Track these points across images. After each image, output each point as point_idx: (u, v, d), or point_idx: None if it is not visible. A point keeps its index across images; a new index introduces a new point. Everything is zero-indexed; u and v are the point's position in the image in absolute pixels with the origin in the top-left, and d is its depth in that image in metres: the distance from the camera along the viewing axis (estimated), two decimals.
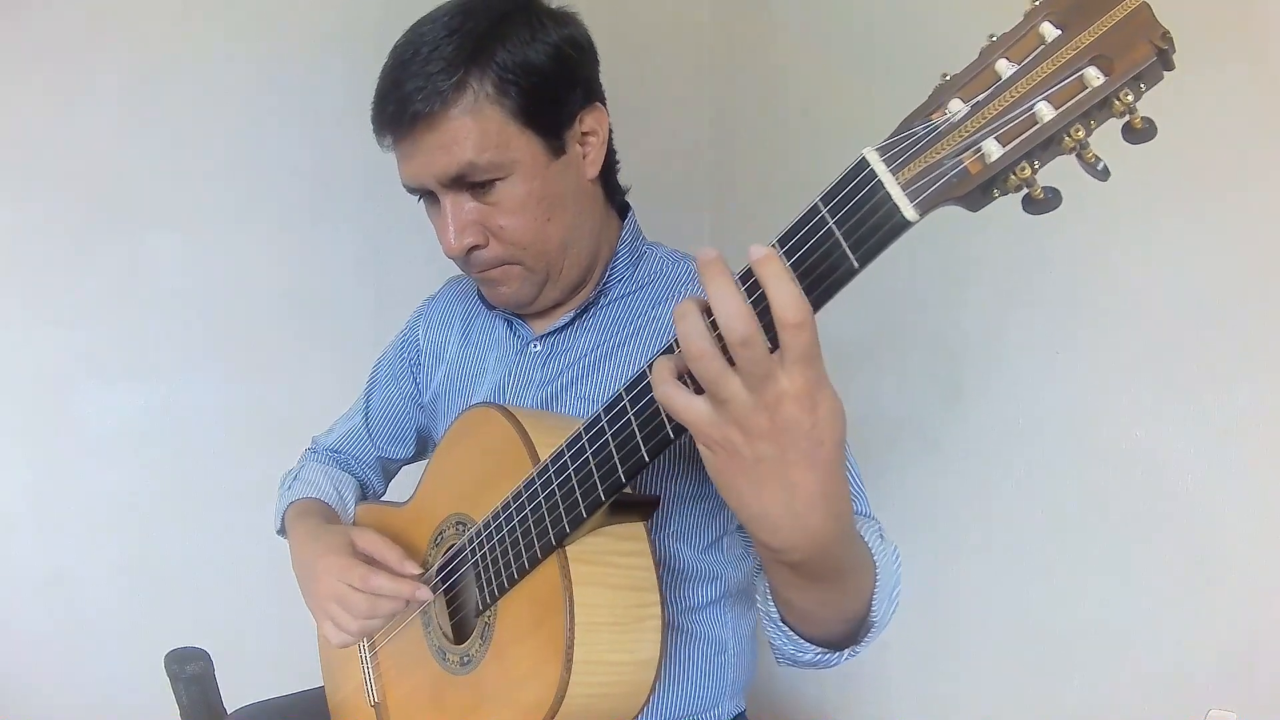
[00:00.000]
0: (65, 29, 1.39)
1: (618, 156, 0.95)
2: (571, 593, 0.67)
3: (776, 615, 0.70)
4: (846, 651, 0.71)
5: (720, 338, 0.49)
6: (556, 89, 0.82)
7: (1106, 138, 0.45)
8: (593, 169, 0.88)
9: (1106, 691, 1.18)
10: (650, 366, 0.59)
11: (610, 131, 0.91)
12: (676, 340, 0.52)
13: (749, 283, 0.50)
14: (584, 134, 0.87)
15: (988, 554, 1.33)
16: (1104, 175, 0.44)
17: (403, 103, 0.79)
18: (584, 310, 0.92)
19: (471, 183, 0.82)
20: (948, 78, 0.46)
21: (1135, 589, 1.14)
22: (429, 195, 0.86)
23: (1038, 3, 0.44)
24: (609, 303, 0.92)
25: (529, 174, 0.82)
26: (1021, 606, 1.29)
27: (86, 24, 1.40)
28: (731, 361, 0.49)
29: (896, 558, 0.71)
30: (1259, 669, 1.03)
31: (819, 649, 0.70)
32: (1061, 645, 1.23)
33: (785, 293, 0.47)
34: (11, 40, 1.37)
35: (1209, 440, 1.05)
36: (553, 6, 0.86)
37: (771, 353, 0.49)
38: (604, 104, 0.89)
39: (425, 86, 0.78)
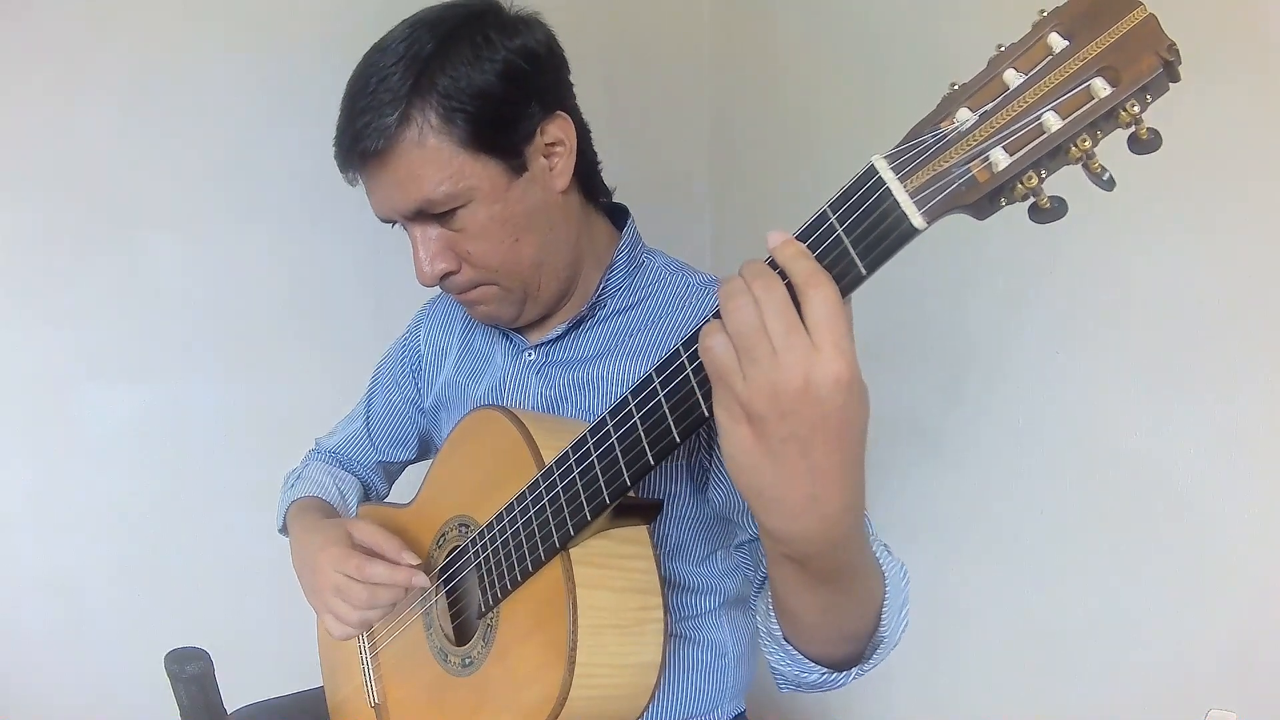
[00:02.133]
0: (66, 29, 1.39)
1: (600, 159, 0.93)
2: (575, 595, 0.68)
3: (779, 633, 0.67)
4: (853, 670, 0.69)
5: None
6: (508, 108, 0.79)
7: (1108, 144, 0.45)
8: (561, 180, 0.84)
9: (1107, 691, 1.18)
10: (658, 369, 0.59)
11: (585, 135, 0.88)
12: (716, 312, 0.52)
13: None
14: (549, 145, 0.84)
15: (989, 555, 1.34)
16: (1109, 185, 0.45)
17: (355, 139, 0.79)
18: (579, 322, 0.91)
19: (434, 214, 0.81)
20: (956, 87, 0.47)
21: (1135, 589, 1.15)
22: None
23: (1046, 13, 0.45)
24: (605, 316, 0.91)
25: (489, 198, 0.80)
26: (1022, 607, 1.29)
27: (87, 24, 1.39)
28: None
29: (904, 574, 0.69)
30: (1259, 669, 1.04)
31: (823, 669, 0.67)
32: (1062, 646, 1.24)
33: (803, 265, 0.48)
34: (12, 40, 1.36)
35: (1210, 442, 1.06)
36: (512, 12, 0.83)
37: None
38: (570, 110, 0.86)
39: (372, 123, 0.77)
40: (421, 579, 0.82)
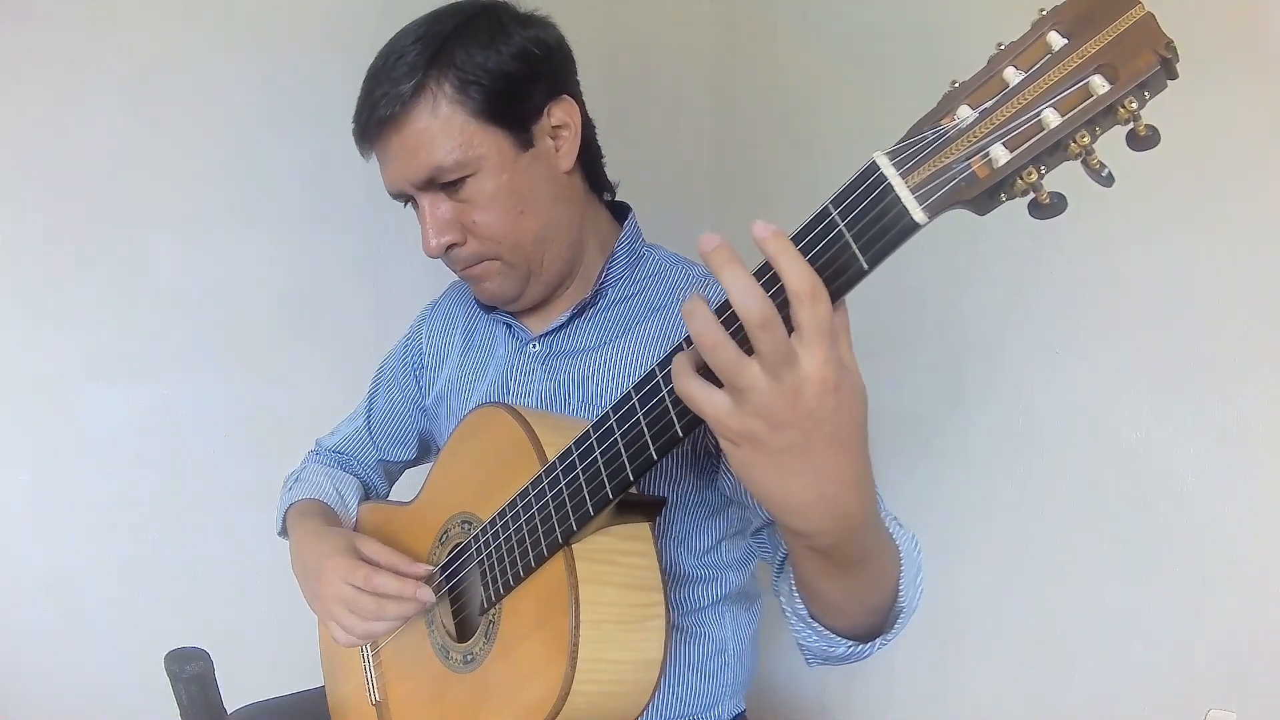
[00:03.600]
0: (65, 29, 1.39)
1: (604, 153, 0.95)
2: (577, 591, 0.68)
3: (804, 612, 0.69)
4: (878, 641, 0.71)
5: (735, 328, 0.49)
6: (520, 86, 0.84)
7: (1107, 141, 0.45)
8: (566, 161, 0.88)
9: (1107, 691, 1.19)
10: (661, 365, 0.60)
11: (590, 126, 0.92)
12: (688, 338, 0.52)
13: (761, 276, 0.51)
14: (554, 127, 0.87)
15: (988, 554, 1.34)
16: (1108, 181, 0.45)
17: (371, 110, 0.83)
18: (581, 311, 0.92)
19: (443, 183, 0.83)
20: (956, 84, 0.47)
21: (1135, 589, 1.15)
22: (411, 200, 0.88)
23: (1045, 12, 0.45)
24: (607, 305, 0.93)
25: (497, 169, 0.83)
26: (1022, 606, 1.30)
27: (86, 24, 1.40)
28: (748, 351, 0.49)
29: (916, 544, 0.71)
30: (1259, 669, 1.04)
31: (849, 642, 0.69)
32: (1062, 645, 1.24)
33: (796, 266, 0.47)
34: (11, 40, 1.37)
35: (1210, 441, 1.06)
36: (527, 12, 0.88)
37: (789, 335, 0.48)
38: (576, 99, 0.89)
39: (389, 92, 0.81)
40: (427, 593, 0.82)
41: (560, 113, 0.87)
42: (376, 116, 0.82)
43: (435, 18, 0.84)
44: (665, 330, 0.88)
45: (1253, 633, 1.04)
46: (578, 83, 0.91)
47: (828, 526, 0.54)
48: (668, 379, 0.59)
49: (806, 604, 0.69)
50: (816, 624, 0.69)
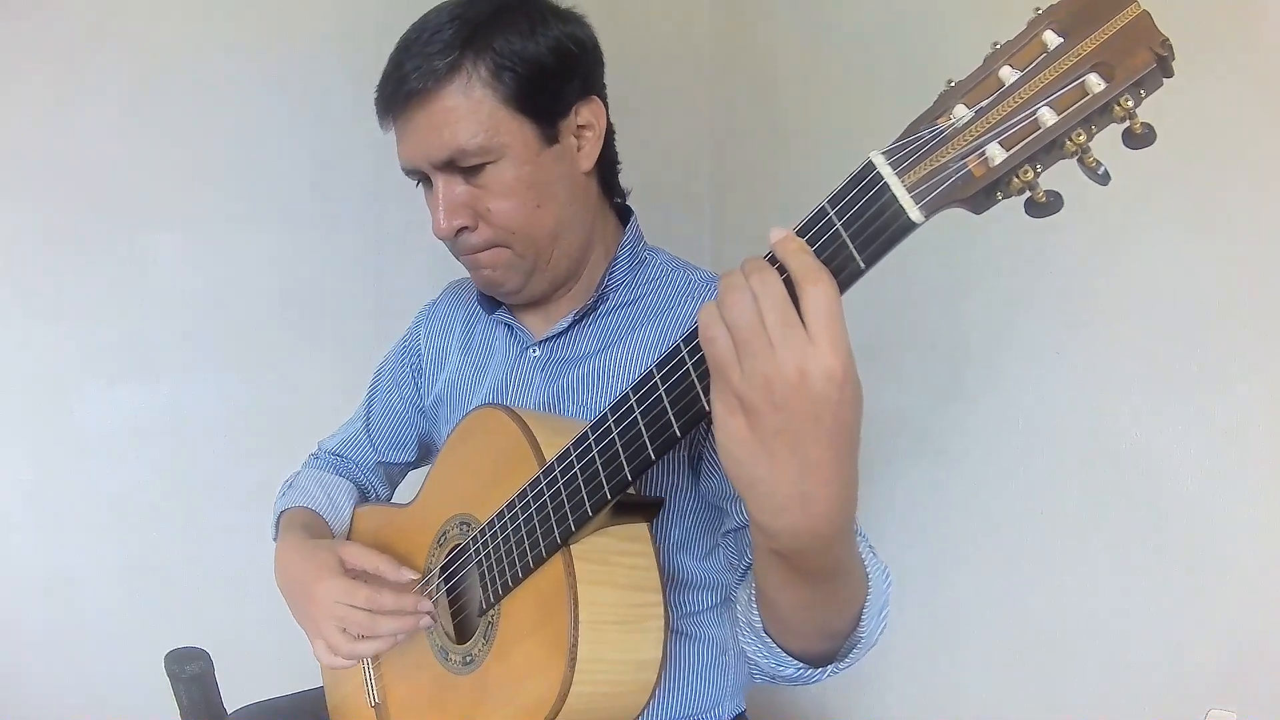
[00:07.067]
0: (65, 29, 1.39)
1: (619, 159, 0.95)
2: (576, 591, 0.68)
3: (759, 624, 0.67)
4: (829, 668, 0.69)
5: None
6: (553, 79, 0.83)
7: (1103, 140, 0.45)
8: (587, 162, 0.88)
9: (1106, 691, 1.18)
10: (659, 364, 0.60)
11: (611, 131, 0.91)
12: (685, 338, 0.53)
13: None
14: (580, 127, 0.87)
15: (987, 555, 1.34)
16: (1104, 179, 0.45)
17: (400, 82, 0.81)
18: (582, 316, 0.91)
19: (463, 166, 0.82)
20: (952, 84, 0.47)
21: (1135, 589, 1.15)
22: (424, 179, 0.87)
23: (1041, 11, 0.45)
24: (608, 310, 0.92)
25: (520, 159, 0.82)
26: (1021, 607, 1.30)
27: (87, 24, 1.40)
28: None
29: (887, 576, 0.69)
30: (1259, 669, 1.04)
31: (799, 664, 0.67)
32: (1061, 646, 1.24)
33: (803, 260, 0.49)
34: (11, 40, 1.37)
35: (1209, 440, 1.06)
36: (561, 6, 0.87)
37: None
38: (604, 101, 0.89)
39: (422, 66, 0.80)
40: (426, 604, 0.82)
41: (588, 113, 0.86)
42: (406, 89, 0.80)
43: (471, 2, 0.83)
44: (665, 335, 0.88)
45: (1253, 633, 1.04)
46: (604, 85, 0.90)
47: (801, 528, 0.53)
48: (666, 378, 0.59)
49: (763, 616, 0.67)
50: (768, 638, 0.67)
